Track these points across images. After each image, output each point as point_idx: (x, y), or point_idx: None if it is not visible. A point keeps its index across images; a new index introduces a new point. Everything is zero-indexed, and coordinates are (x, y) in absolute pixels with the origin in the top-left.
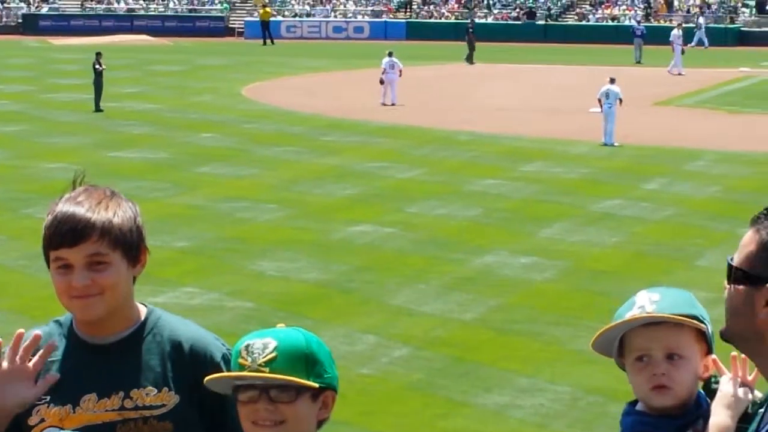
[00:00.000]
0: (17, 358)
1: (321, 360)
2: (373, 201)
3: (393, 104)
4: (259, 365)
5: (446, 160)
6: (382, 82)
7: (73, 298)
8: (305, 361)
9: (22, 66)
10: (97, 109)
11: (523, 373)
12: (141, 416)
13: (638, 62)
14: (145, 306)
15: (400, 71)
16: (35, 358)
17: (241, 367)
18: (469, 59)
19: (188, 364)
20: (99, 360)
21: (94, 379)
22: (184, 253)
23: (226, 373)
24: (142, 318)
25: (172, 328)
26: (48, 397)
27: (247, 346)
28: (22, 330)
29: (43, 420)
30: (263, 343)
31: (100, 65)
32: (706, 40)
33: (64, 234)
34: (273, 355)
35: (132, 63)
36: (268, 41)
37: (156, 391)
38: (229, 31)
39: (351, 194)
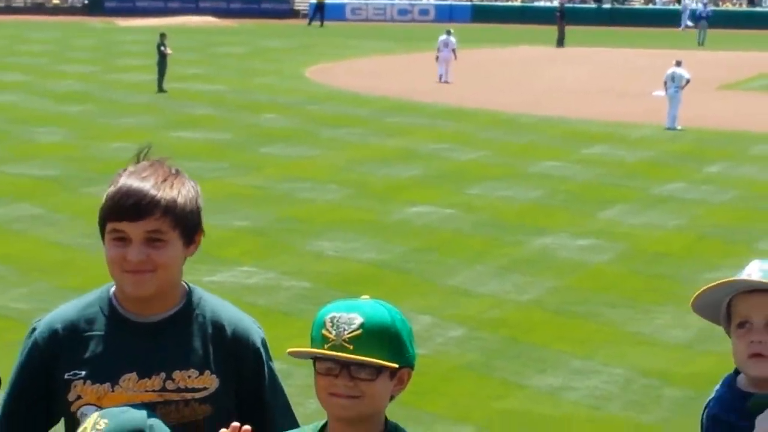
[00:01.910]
0: None
1: (403, 339)
2: (435, 182)
3: (445, 82)
4: (344, 341)
5: (509, 143)
6: (437, 59)
7: (126, 272)
8: (388, 340)
9: (87, 47)
10: (161, 90)
11: (578, 354)
12: (182, 398)
13: (701, 44)
14: (187, 285)
15: (454, 51)
16: None
17: (324, 339)
18: (560, 42)
19: (230, 348)
20: (141, 339)
21: (135, 358)
22: (242, 233)
23: (311, 350)
24: (185, 298)
25: (213, 309)
26: (83, 373)
27: (332, 319)
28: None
29: (79, 397)
30: (349, 318)
31: (165, 47)
32: None
33: (128, 208)
34: (358, 332)
35: (196, 45)
36: (317, 23)
37: (198, 373)
38: (294, 13)
39: (413, 175)
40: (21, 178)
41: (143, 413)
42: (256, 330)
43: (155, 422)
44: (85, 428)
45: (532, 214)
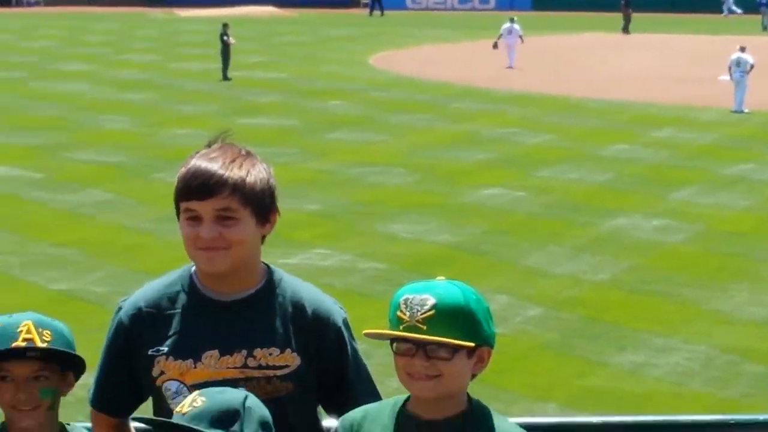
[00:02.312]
0: None
1: (479, 318)
2: (503, 166)
3: (510, 67)
4: (417, 322)
5: (576, 127)
6: (495, 46)
7: (199, 249)
8: (462, 319)
9: (148, 37)
10: (225, 78)
11: (658, 332)
12: (264, 375)
13: (766, 29)
14: (268, 266)
15: (521, 37)
16: None
17: (399, 320)
18: (625, 29)
19: (310, 328)
20: (222, 317)
21: (217, 335)
22: (315, 216)
23: (386, 331)
24: (266, 278)
25: (294, 290)
26: (166, 349)
27: (406, 300)
28: None
29: (163, 372)
30: (422, 299)
31: (228, 37)
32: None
33: (195, 187)
34: (431, 313)
35: (258, 34)
36: (377, 12)
37: (279, 351)
38: (354, 3)
39: (481, 159)
40: (89, 164)
41: (241, 395)
42: (337, 310)
43: (253, 404)
44: (183, 404)
45: (603, 196)
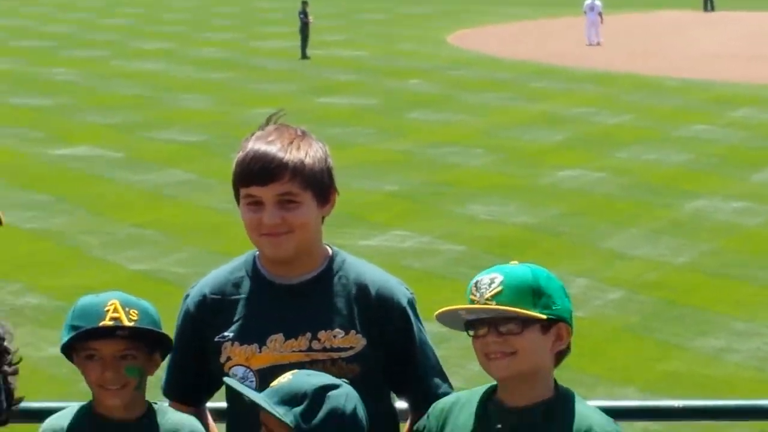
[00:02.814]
0: None
1: (549, 293)
2: (582, 146)
3: (597, 43)
4: (486, 299)
5: (655, 107)
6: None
7: (263, 235)
8: (531, 293)
9: (227, 15)
10: (304, 57)
11: (739, 316)
12: (329, 358)
13: None
14: (330, 248)
15: (600, 14)
16: None
17: (471, 303)
18: (708, 6)
19: (374, 308)
20: (285, 300)
21: (281, 319)
22: (394, 197)
23: (454, 306)
24: (328, 260)
25: (357, 270)
26: (231, 335)
27: (476, 283)
28: None
29: (229, 358)
30: (490, 279)
31: (306, 16)
32: None
33: (256, 172)
34: (499, 289)
35: (337, 11)
36: None
37: (343, 333)
38: None
39: (559, 140)
40: (170, 144)
41: (325, 381)
42: (402, 290)
43: (337, 394)
44: (277, 378)
45: (682, 177)
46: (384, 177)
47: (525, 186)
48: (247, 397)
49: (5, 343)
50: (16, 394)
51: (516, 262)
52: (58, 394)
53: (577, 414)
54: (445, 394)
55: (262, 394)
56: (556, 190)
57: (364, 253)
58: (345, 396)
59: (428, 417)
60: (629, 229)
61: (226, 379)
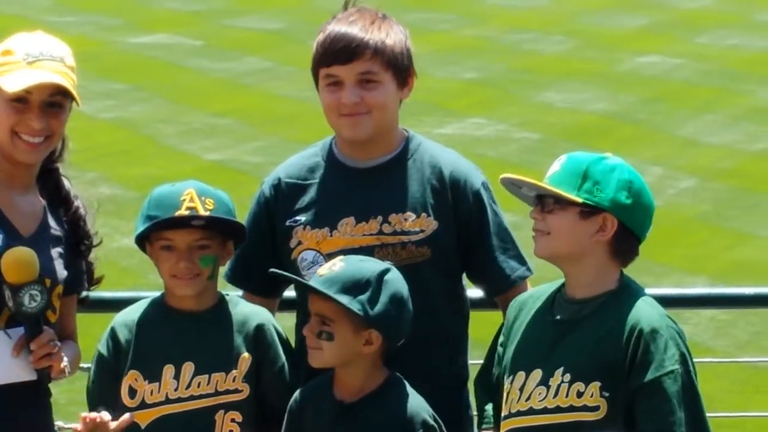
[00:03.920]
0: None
1: (599, 179)
2: (662, 31)
3: None
4: (546, 178)
5: None
6: None
7: (342, 116)
8: (578, 176)
9: None
10: None
11: None
12: (399, 241)
13: None
14: (406, 131)
15: None
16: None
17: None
18: None
19: (448, 190)
20: (358, 184)
21: (353, 202)
22: (471, 85)
23: (508, 174)
24: (404, 143)
25: (432, 153)
26: (303, 219)
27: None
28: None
29: (300, 243)
30: (558, 160)
31: None
32: None
33: (338, 51)
34: (557, 168)
35: None
36: None
37: (414, 216)
38: None
39: (639, 24)
40: (247, 31)
41: (380, 267)
42: (476, 173)
43: (391, 279)
44: (323, 267)
45: (763, 63)
46: (463, 63)
47: (603, 72)
48: (303, 285)
49: (86, 225)
50: (96, 275)
51: (610, 154)
52: (131, 285)
53: (629, 306)
54: (523, 277)
55: (317, 283)
56: (634, 77)
57: (440, 141)
58: (399, 279)
59: (508, 310)
60: (706, 115)
61: (272, 270)
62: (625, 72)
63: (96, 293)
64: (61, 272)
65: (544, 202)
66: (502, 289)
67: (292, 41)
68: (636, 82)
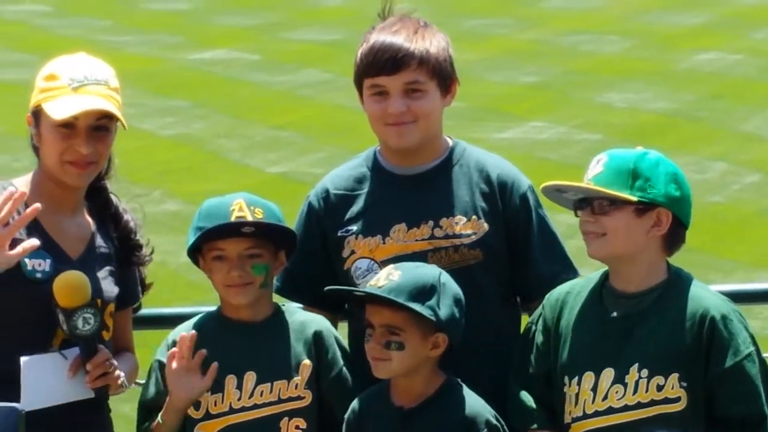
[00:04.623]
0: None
1: (648, 175)
2: (719, 28)
3: None
4: (588, 180)
5: None
6: None
7: (389, 125)
8: (628, 175)
9: None
10: None
11: None
12: (452, 245)
13: None
14: (450, 138)
15: None
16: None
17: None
18: None
19: (495, 193)
20: (407, 190)
21: (403, 209)
22: (530, 88)
23: (552, 182)
24: (449, 149)
25: (478, 158)
26: (354, 228)
27: (589, 164)
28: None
29: (353, 252)
30: (597, 159)
31: None
32: None
33: (384, 62)
34: (600, 169)
35: None
36: None
37: (465, 219)
38: None
39: (696, 22)
40: (303, 44)
41: (436, 271)
42: (522, 177)
43: (447, 280)
44: (378, 278)
45: None
46: (521, 68)
47: (661, 71)
48: (371, 297)
49: (137, 237)
50: (147, 281)
51: (641, 148)
52: (198, 300)
53: (691, 296)
54: (567, 280)
55: (383, 293)
56: (693, 75)
57: (501, 146)
58: (452, 281)
59: (543, 307)
60: (767, 110)
61: (329, 288)
62: (684, 70)
63: (158, 309)
64: (112, 290)
65: (594, 204)
66: (544, 293)
67: (349, 52)
68: (695, 80)
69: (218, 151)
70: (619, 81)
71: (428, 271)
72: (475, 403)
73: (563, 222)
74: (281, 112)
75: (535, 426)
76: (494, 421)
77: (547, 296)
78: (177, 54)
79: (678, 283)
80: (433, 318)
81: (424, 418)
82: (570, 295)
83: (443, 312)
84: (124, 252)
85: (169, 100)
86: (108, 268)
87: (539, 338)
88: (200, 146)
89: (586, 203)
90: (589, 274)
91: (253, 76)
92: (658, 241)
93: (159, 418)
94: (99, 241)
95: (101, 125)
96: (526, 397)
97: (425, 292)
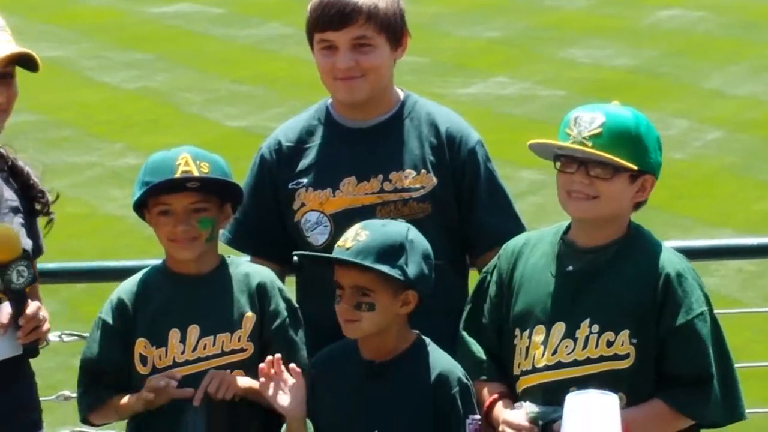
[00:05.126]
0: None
1: (646, 143)
2: None
3: None
4: (584, 138)
5: None
6: None
7: (337, 80)
8: (629, 141)
9: None
10: None
11: None
12: (401, 198)
13: None
14: (402, 91)
15: None
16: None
17: (567, 136)
18: None
19: (444, 146)
20: (357, 144)
21: (353, 162)
22: (494, 44)
23: (549, 141)
24: (400, 102)
25: (429, 111)
26: (305, 181)
27: (575, 118)
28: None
29: (303, 204)
30: (592, 117)
31: None
32: None
33: (332, 17)
34: (598, 130)
35: None
36: None
37: (414, 173)
38: None
39: None
40: None
41: (404, 227)
42: (471, 131)
43: (415, 237)
44: (346, 239)
45: None
46: (486, 23)
47: (625, 28)
48: (337, 261)
49: (38, 185)
50: (102, 233)
51: (617, 103)
52: (156, 253)
53: (648, 253)
54: (514, 234)
55: (349, 256)
56: (656, 31)
57: (464, 101)
58: (420, 236)
59: (498, 258)
60: (730, 67)
61: (297, 253)
62: (647, 26)
63: (105, 262)
64: (28, 242)
65: (589, 166)
66: (490, 246)
67: None
68: (658, 36)
69: (180, 105)
70: (583, 37)
71: (396, 229)
72: (447, 361)
73: (526, 178)
74: (244, 66)
75: (484, 378)
76: (465, 380)
77: (503, 247)
78: (140, 7)
79: (636, 239)
80: (402, 278)
81: (395, 373)
82: (526, 246)
83: (412, 270)
84: (28, 201)
85: (132, 53)
86: (19, 220)
87: (492, 289)
88: (162, 99)
89: (576, 161)
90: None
91: (216, 30)
92: (634, 203)
93: (127, 398)
94: (6, 194)
95: (8, 72)
96: (476, 347)
97: (394, 251)
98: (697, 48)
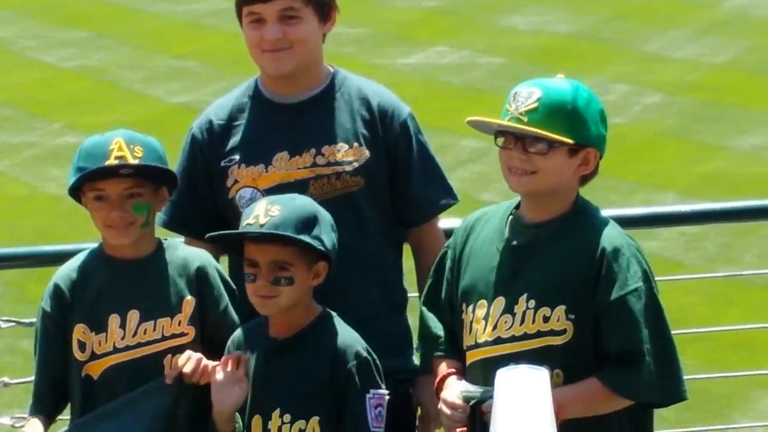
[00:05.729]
0: (229, 369)
1: (584, 116)
2: None
3: None
4: (520, 114)
5: None
6: None
7: (265, 52)
8: (566, 116)
9: None
10: None
11: None
12: (334, 172)
13: None
14: (332, 67)
15: None
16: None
17: (506, 113)
18: None
19: (376, 120)
20: (288, 119)
21: (285, 138)
22: (433, 13)
23: (486, 119)
24: (330, 77)
25: (358, 86)
26: (237, 157)
27: (515, 93)
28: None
29: (237, 181)
30: (529, 92)
31: None
32: None
33: None
34: (534, 105)
35: None
36: None
37: (347, 147)
38: None
39: None
40: None
41: (309, 200)
42: (402, 105)
43: (320, 207)
44: (258, 216)
45: None
46: None
47: None
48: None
49: None
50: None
51: (562, 76)
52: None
53: (589, 229)
54: (447, 206)
55: (268, 230)
56: None
57: (404, 71)
58: (319, 207)
59: (455, 232)
60: (670, 31)
61: (211, 234)
62: None
63: (46, 246)
64: None
65: (526, 142)
66: (424, 218)
67: None
68: (598, 2)
69: (120, 82)
70: (523, 4)
71: (305, 202)
72: (347, 335)
73: (467, 146)
74: (184, 42)
75: (440, 353)
76: (364, 354)
77: (463, 220)
78: None
79: (580, 215)
80: (322, 248)
81: (295, 348)
82: (480, 221)
83: (326, 240)
84: None
85: (71, 32)
86: None
87: (447, 263)
88: (102, 77)
89: (514, 137)
90: (497, 200)
91: (155, 6)
92: (578, 176)
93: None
94: None
95: None
96: (435, 322)
97: (309, 223)
98: (638, 12)
